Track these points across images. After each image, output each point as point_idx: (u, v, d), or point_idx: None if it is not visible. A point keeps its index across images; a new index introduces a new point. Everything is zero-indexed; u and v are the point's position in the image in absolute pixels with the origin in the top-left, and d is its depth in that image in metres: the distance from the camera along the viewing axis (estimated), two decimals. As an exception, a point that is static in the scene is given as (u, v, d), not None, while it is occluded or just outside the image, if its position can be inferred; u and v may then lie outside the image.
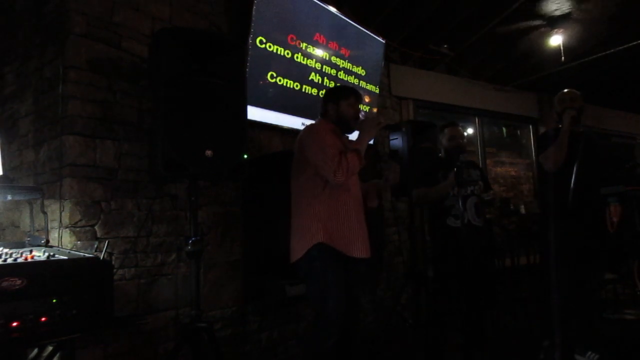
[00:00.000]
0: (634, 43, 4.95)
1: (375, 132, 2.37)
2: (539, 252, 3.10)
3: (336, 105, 2.38)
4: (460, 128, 3.28)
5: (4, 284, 1.37)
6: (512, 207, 5.75)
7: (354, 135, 2.46)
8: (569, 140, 2.74)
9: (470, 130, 6.07)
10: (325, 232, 2.20)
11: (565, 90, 2.99)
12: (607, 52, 5.17)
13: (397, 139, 3.88)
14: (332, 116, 2.39)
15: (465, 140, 3.25)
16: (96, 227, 2.35)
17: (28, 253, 1.71)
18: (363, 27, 3.96)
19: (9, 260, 1.53)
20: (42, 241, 2.04)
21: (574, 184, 2.65)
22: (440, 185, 2.99)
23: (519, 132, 6.73)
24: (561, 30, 4.99)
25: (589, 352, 2.70)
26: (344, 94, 2.40)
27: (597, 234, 2.76)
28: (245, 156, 2.19)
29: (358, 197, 2.38)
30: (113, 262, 2.28)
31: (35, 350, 1.87)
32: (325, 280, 2.17)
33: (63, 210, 2.28)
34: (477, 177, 3.13)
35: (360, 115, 2.41)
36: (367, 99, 4.14)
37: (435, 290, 3.21)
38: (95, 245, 2.12)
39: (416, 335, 3.44)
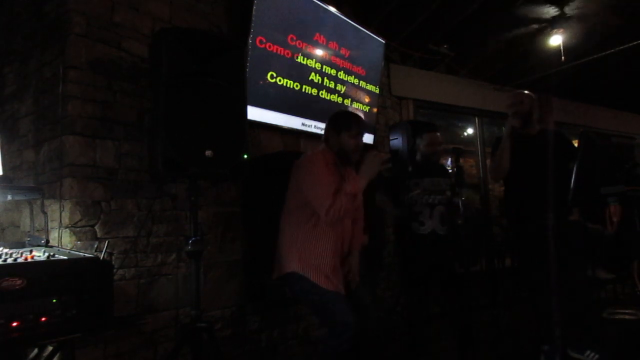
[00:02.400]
0: (634, 43, 4.95)
1: (377, 170, 2.26)
2: (521, 254, 3.12)
3: (337, 135, 2.28)
4: (439, 134, 3.26)
5: (4, 284, 1.37)
6: (512, 207, 5.74)
7: None
8: (523, 142, 2.80)
9: (470, 130, 6.07)
10: (301, 263, 2.19)
11: (514, 92, 3.02)
12: (607, 52, 5.17)
13: (397, 139, 3.89)
14: (333, 146, 2.31)
15: (442, 147, 3.24)
16: (96, 227, 2.35)
17: (28, 253, 1.71)
18: (363, 27, 3.96)
19: (9, 260, 1.53)
20: (42, 241, 2.03)
21: (574, 183, 2.66)
22: (387, 204, 3.14)
23: (519, 132, 6.72)
24: (561, 30, 5.00)
25: (588, 351, 2.70)
26: (346, 125, 2.28)
27: (577, 232, 2.79)
28: (245, 156, 2.19)
29: (344, 229, 2.31)
30: (113, 262, 2.28)
31: (35, 350, 1.87)
32: (314, 299, 2.19)
33: (63, 210, 2.28)
34: (445, 187, 3.13)
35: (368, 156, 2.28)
36: (367, 99, 4.13)
37: (407, 293, 3.23)
38: (95, 245, 2.12)
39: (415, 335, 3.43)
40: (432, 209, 3.06)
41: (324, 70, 3.64)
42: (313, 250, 2.20)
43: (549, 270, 2.45)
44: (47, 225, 2.19)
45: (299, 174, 2.25)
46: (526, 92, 2.97)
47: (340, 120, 2.33)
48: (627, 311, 3.90)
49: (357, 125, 2.30)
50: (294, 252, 2.22)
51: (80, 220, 2.29)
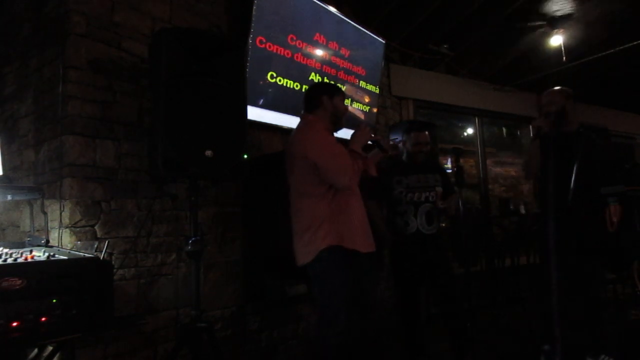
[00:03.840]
0: (634, 43, 4.95)
1: (367, 140, 2.39)
2: (539, 252, 3.09)
3: (331, 99, 2.37)
4: (426, 134, 3.14)
5: (4, 284, 1.37)
6: (512, 207, 5.75)
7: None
8: (561, 141, 2.75)
9: (470, 130, 6.06)
10: (334, 233, 2.20)
11: (547, 90, 2.95)
12: (607, 52, 5.17)
13: (397, 139, 3.88)
14: (328, 109, 2.36)
15: (429, 147, 3.14)
16: (96, 227, 2.35)
17: (28, 253, 1.71)
18: (363, 27, 3.96)
19: (9, 260, 1.53)
20: (42, 241, 2.04)
21: (573, 183, 2.65)
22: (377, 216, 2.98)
23: (518, 132, 6.73)
24: (561, 30, 5.00)
25: (602, 355, 2.68)
26: (337, 90, 2.45)
27: (595, 232, 2.76)
28: (245, 156, 2.19)
29: (358, 192, 2.41)
30: (113, 262, 2.28)
31: (35, 350, 1.87)
32: (335, 281, 2.19)
33: (63, 210, 2.28)
34: (434, 183, 3.04)
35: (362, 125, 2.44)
36: (367, 99, 4.13)
37: (396, 294, 3.18)
38: (95, 245, 2.12)
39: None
40: (416, 207, 2.96)
41: (324, 70, 3.64)
42: (345, 217, 2.24)
43: (568, 269, 2.43)
44: (47, 225, 2.19)
45: (306, 148, 2.22)
46: (559, 88, 2.87)
47: (329, 86, 2.51)
48: (627, 311, 3.90)
49: (343, 92, 2.49)
50: (324, 227, 2.19)
51: (80, 220, 2.29)
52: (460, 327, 2.88)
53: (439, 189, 3.01)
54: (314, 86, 2.55)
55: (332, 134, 2.40)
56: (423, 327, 3.18)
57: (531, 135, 2.84)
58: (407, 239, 2.96)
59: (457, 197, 3.03)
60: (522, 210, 5.85)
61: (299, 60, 3.41)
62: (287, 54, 3.31)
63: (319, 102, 2.37)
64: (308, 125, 2.35)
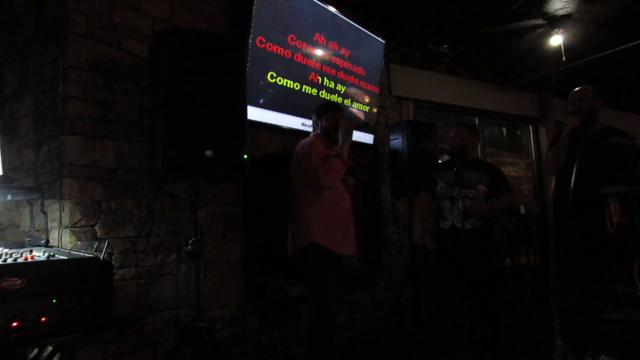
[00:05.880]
0: (634, 43, 4.95)
1: (352, 132, 2.65)
2: (557, 254, 3.06)
3: (320, 120, 2.74)
4: (461, 128, 3.23)
5: (4, 284, 1.37)
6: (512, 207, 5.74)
7: None
8: (583, 138, 2.72)
9: (470, 130, 6.06)
10: (318, 232, 2.50)
11: (577, 88, 2.94)
12: (607, 52, 5.17)
13: (397, 139, 3.88)
14: (320, 129, 2.73)
15: (462, 142, 3.18)
16: (96, 227, 2.35)
17: (28, 253, 1.71)
18: (363, 27, 3.96)
19: (9, 260, 1.53)
20: (42, 241, 2.03)
21: (573, 184, 2.65)
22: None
23: (519, 132, 6.74)
24: (561, 30, 5.00)
25: (602, 355, 2.68)
26: (323, 109, 2.77)
27: (606, 233, 2.76)
28: (245, 156, 2.19)
29: (347, 199, 2.71)
30: (113, 262, 2.28)
31: (35, 350, 1.87)
32: (322, 276, 2.48)
33: (63, 210, 2.28)
34: (477, 181, 3.05)
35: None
36: (367, 99, 4.13)
37: (429, 290, 3.22)
38: (95, 245, 2.12)
39: (416, 334, 3.44)
40: (452, 202, 3.00)
41: (324, 70, 3.64)
42: (329, 218, 2.55)
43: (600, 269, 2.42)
44: (47, 225, 2.19)
45: (300, 158, 2.61)
46: (588, 87, 2.86)
47: (319, 108, 2.81)
48: (627, 311, 3.89)
49: (331, 108, 2.78)
50: (313, 225, 2.52)
51: (80, 220, 2.29)
52: (485, 325, 2.93)
53: (482, 187, 3.04)
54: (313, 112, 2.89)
55: (328, 145, 2.67)
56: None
57: (563, 130, 2.77)
58: (444, 234, 3.05)
59: (510, 199, 3.10)
60: (522, 210, 5.85)
61: (299, 60, 3.41)
62: (287, 54, 3.31)
63: (314, 126, 2.81)
64: (309, 140, 2.70)
